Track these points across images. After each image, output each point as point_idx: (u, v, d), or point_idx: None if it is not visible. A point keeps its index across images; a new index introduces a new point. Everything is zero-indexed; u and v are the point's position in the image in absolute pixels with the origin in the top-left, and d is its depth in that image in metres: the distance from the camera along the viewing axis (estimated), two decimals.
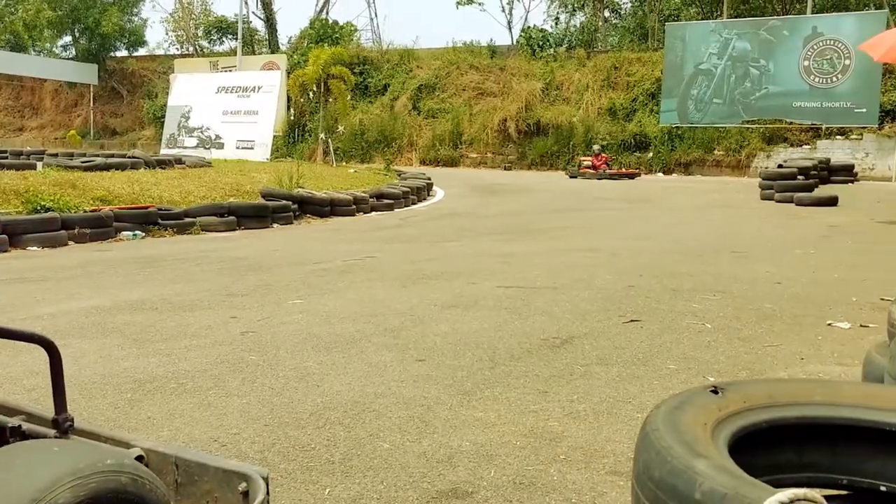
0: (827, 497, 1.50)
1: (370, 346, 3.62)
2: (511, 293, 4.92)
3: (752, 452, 1.42)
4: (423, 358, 3.41)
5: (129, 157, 15.10)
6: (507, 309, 4.44)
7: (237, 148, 21.31)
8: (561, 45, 29.26)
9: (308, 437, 2.47)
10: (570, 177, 20.27)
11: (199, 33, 34.70)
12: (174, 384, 3.04)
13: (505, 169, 24.70)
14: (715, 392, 1.42)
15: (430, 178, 16.05)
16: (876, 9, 22.40)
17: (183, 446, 1.70)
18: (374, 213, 11.95)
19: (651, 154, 22.96)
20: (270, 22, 33.95)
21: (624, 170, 20.78)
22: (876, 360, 2.35)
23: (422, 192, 14.43)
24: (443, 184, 16.50)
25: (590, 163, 20.46)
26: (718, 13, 26.48)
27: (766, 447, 1.42)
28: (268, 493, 1.50)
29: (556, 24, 31.72)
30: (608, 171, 20.07)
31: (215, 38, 34.16)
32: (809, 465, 1.48)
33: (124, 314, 4.37)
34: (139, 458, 1.58)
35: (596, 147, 21.11)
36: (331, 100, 22.15)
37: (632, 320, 4.15)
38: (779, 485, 1.17)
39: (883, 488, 1.41)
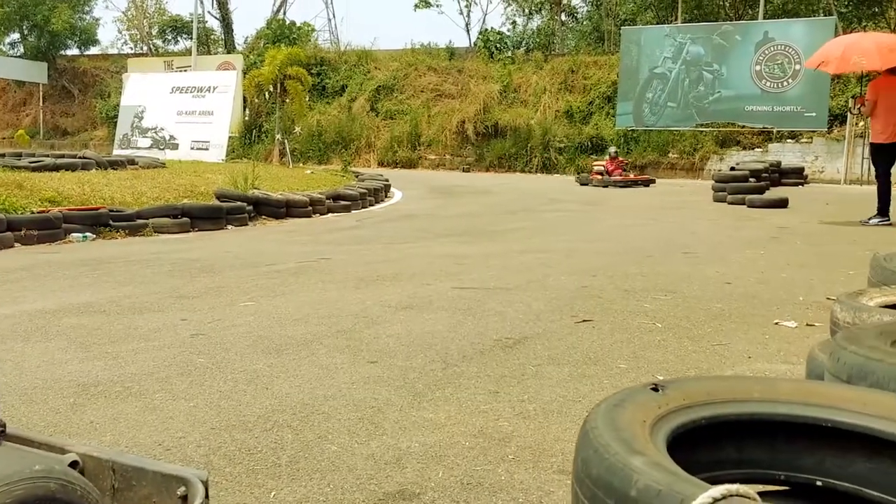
0: (766, 493, 1.53)
1: (321, 348, 3.59)
2: (465, 294, 4.92)
3: (692, 449, 1.44)
4: (374, 360, 3.39)
5: (79, 158, 14.78)
6: (461, 310, 4.43)
7: (192, 149, 21.01)
8: (518, 48, 29.45)
9: (255, 440, 2.43)
10: (581, 184, 17.61)
11: (153, 32, 34.22)
12: (119, 388, 2.98)
13: (463, 171, 24.76)
14: (655, 390, 1.43)
15: (387, 180, 16.01)
16: (825, 15, 22.93)
17: (120, 451, 1.66)
18: (330, 214, 11.88)
19: (607, 157, 23.18)
20: (226, 22, 33.61)
21: (635, 175, 17.89)
22: (818, 357, 2.39)
23: (379, 193, 14.38)
24: (401, 185, 16.47)
25: (602, 168, 17.59)
26: (673, 18, 26.88)
27: (706, 444, 1.44)
28: (207, 496, 1.48)
29: (514, 27, 31.94)
30: (611, 177, 17.04)
31: (170, 37, 33.71)
32: (749, 462, 1.50)
33: (70, 317, 4.28)
34: (74, 464, 1.54)
35: (612, 149, 18.02)
36: (287, 100, 21.97)
37: (584, 320, 4.18)
38: (718, 481, 1.18)
39: (819, 483, 1.43)
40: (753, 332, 3.93)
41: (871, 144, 9.82)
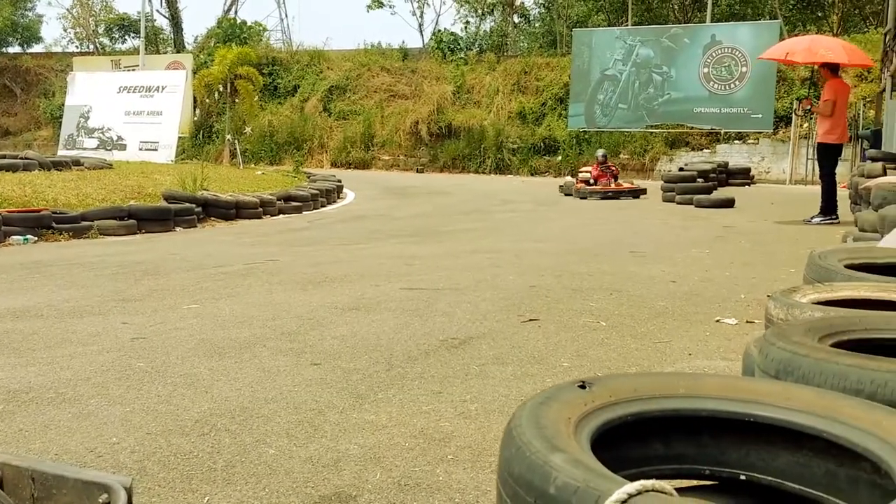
0: (694, 488, 1.55)
1: (265, 351, 3.55)
2: (414, 295, 4.91)
3: (619, 446, 1.45)
4: (318, 362, 3.36)
5: (21, 159, 14.40)
6: (408, 311, 4.42)
7: (140, 149, 20.63)
8: (472, 49, 29.53)
9: (191, 445, 2.39)
10: (565, 195, 14.50)
11: (100, 31, 33.53)
12: (53, 394, 2.91)
13: (417, 171, 24.74)
14: (583, 387, 1.44)
15: (340, 181, 15.93)
16: (770, 19, 23.45)
17: (40, 458, 1.61)
18: (281, 215, 11.77)
19: (560, 157, 23.36)
20: (175, 20, 33.08)
21: (624, 185, 14.27)
22: (753, 353, 2.43)
23: (332, 194, 14.29)
24: (354, 186, 16.40)
25: (588, 174, 14.26)
26: (624, 20, 27.22)
27: (633, 440, 1.45)
28: (130, 502, 1.44)
29: (466, 27, 32.03)
30: (593, 186, 13.82)
31: (117, 36, 33.06)
32: (676, 457, 1.51)
33: (5, 322, 4.17)
34: None
35: (600, 153, 14.71)
36: (238, 101, 21.71)
37: (530, 319, 4.20)
38: (645, 477, 1.19)
39: (742, 477, 1.45)
40: (695, 329, 3.99)
41: (819, 144, 9.93)
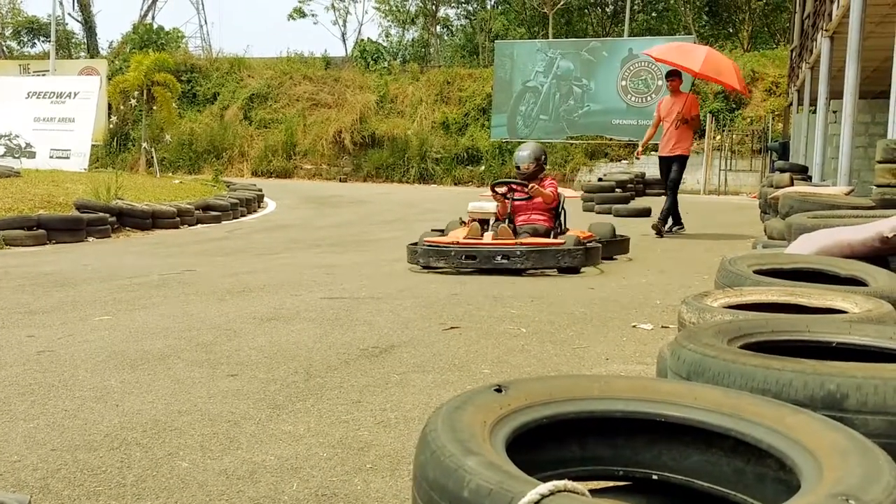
0: (609, 489, 1.57)
1: (179, 363, 3.45)
2: (334, 304, 4.86)
3: (536, 449, 1.45)
4: (234, 373, 3.28)
5: None
6: (328, 320, 4.37)
7: (51, 157, 19.88)
8: (395, 59, 29.58)
9: (100, 460, 2.30)
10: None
11: (7, 34, 32.25)
12: None
13: (340, 181, 24.61)
14: (499, 391, 1.44)
15: (261, 190, 15.71)
16: (685, 34, 24.23)
17: None
18: (199, 225, 11.53)
19: (483, 167, 23.60)
20: (89, 24, 32.14)
21: (544, 240, 6.83)
22: (666, 356, 2.49)
23: (252, 203, 14.08)
24: (275, 195, 16.19)
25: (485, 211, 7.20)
26: (544, 33, 27.72)
27: (549, 443, 1.46)
28: None
29: (388, 37, 32.08)
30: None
31: (25, 39, 31.89)
32: (592, 459, 1.53)
33: None
34: None
35: (525, 153, 7.02)
36: (155, 108, 21.18)
37: (452, 327, 4.20)
38: (560, 479, 1.20)
39: (655, 476, 1.48)
40: (612, 334, 4.06)
41: (684, 157, 9.83)
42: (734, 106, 22.11)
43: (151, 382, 3.15)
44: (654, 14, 29.67)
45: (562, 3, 28.11)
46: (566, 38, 26.75)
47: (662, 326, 4.22)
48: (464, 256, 6.15)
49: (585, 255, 6.24)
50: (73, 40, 32.23)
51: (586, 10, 30.30)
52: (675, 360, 1.89)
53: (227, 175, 22.38)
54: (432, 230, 7.04)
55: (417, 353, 3.67)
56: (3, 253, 8.12)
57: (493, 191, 6.92)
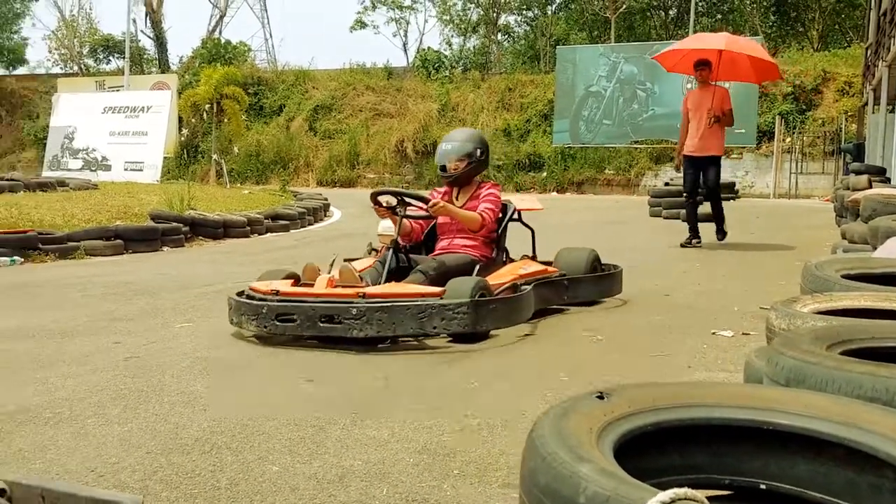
0: (713, 497, 1.54)
1: (259, 368, 3.52)
2: None
3: (638, 456, 1.44)
4: (312, 378, 3.33)
5: (6, 180, 14.32)
6: None
7: (126, 170, 20.54)
8: (456, 67, 29.68)
9: (193, 463, 2.36)
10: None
11: (84, 52, 33.46)
12: (49, 414, 2.86)
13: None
14: (601, 398, 1.43)
15: (326, 199, 15.90)
16: (751, 35, 23.72)
17: (50, 478, 1.58)
18: (269, 234, 11.73)
19: (545, 174, 23.48)
20: (160, 41, 33.10)
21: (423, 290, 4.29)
22: (755, 363, 2.43)
23: (318, 212, 14.27)
24: (340, 204, 16.37)
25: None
26: (607, 37, 27.48)
27: (651, 451, 1.44)
28: None
29: (449, 46, 32.22)
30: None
31: (101, 56, 33.02)
32: (694, 467, 1.50)
33: None
34: (1, 492, 1.46)
35: (450, 147, 4.85)
36: (224, 120, 21.69)
37: (527, 334, 4.20)
38: (665, 487, 1.18)
39: (763, 486, 1.44)
40: (692, 342, 3.99)
41: (717, 157, 8.69)
42: (804, 107, 21.55)
43: (235, 388, 3.22)
44: (718, 16, 29.16)
45: (624, 6, 27.86)
46: (629, 41, 26.48)
47: (743, 333, 4.13)
48: (276, 316, 3.89)
49: (475, 314, 3.83)
50: (146, 56, 33.26)
51: (649, 14, 29.96)
52: (773, 367, 1.85)
53: (294, 185, 22.75)
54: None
55: (494, 359, 3.67)
56: (84, 263, 8.40)
57: (374, 201, 4.57)
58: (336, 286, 4.00)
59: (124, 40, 28.61)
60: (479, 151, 4.78)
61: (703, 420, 1.45)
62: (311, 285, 4.08)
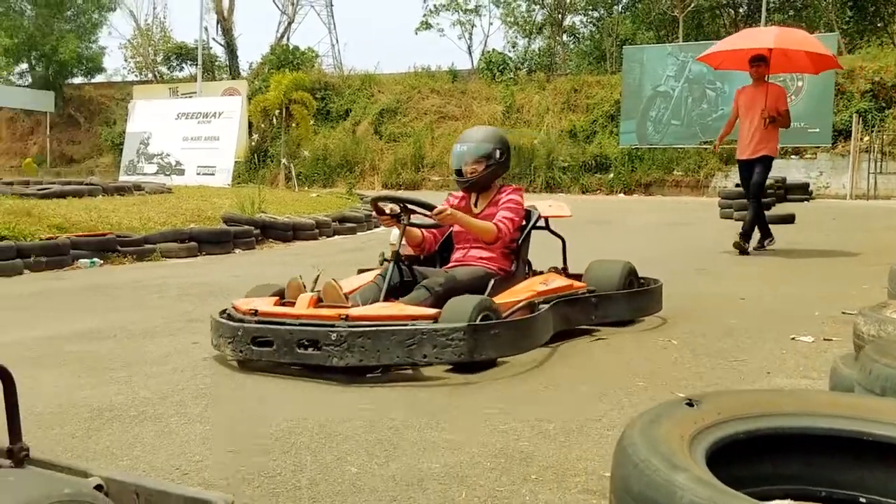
0: None
1: (334, 369, 3.55)
2: None
3: (729, 465, 1.41)
4: (383, 381, 3.35)
5: (86, 185, 14.82)
6: None
7: (198, 174, 21.06)
8: (521, 69, 29.58)
9: (274, 463, 2.40)
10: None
11: (158, 59, 34.46)
12: (134, 412, 2.95)
13: None
14: (690, 405, 1.40)
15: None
16: (826, 31, 23.02)
17: (143, 475, 1.63)
18: (336, 236, 11.89)
19: (612, 175, 23.21)
20: (231, 48, 33.87)
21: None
22: (842, 371, 2.36)
23: None
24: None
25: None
26: (674, 37, 27.02)
27: (742, 459, 1.41)
28: None
29: (514, 48, 32.11)
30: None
31: (175, 64, 33.93)
32: (787, 477, 1.47)
33: (81, 343, 4.26)
34: (98, 488, 1.51)
35: (465, 149, 4.35)
36: (293, 125, 22.07)
37: (599, 338, 4.15)
38: (760, 497, 1.15)
39: (863, 500, 1.40)
40: (770, 347, 3.89)
41: (769, 158, 8.14)
42: (884, 105, 20.80)
43: (310, 389, 3.27)
44: (791, 12, 28.37)
45: (693, 5, 27.35)
46: (697, 40, 25.98)
47: (825, 339, 4.00)
48: (252, 339, 3.51)
49: (472, 340, 3.34)
50: (217, 63, 34.07)
51: (718, 12, 29.34)
52: (866, 376, 1.79)
53: (360, 188, 23.00)
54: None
55: (566, 363, 3.64)
56: (160, 264, 8.64)
57: (375, 208, 4.16)
58: (319, 306, 3.60)
59: (197, 48, 29.36)
60: (498, 152, 4.29)
61: (797, 429, 1.41)
62: (294, 304, 3.68)
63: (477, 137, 4.35)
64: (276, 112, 21.56)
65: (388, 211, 4.08)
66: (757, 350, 3.84)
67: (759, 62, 7.95)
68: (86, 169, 29.97)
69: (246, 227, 10.44)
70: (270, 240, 10.84)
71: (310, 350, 3.36)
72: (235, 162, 22.71)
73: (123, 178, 21.41)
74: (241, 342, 3.53)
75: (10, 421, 1.59)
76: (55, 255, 7.97)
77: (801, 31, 8.85)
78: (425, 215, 4.08)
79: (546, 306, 3.92)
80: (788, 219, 11.84)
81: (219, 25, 33.82)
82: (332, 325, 3.37)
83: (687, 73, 22.10)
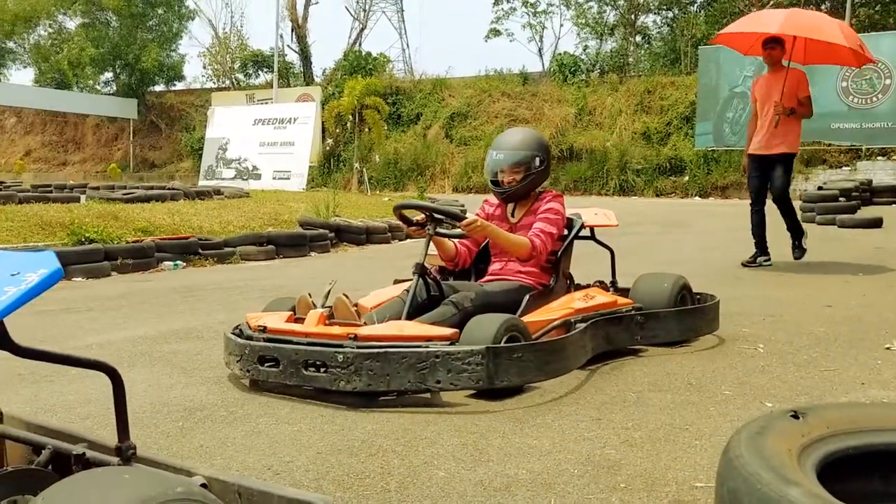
0: None
1: None
2: None
3: (835, 480, 1.37)
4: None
5: (168, 189, 15.34)
6: None
7: (274, 178, 21.55)
8: (593, 71, 29.30)
9: (362, 465, 2.44)
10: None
11: (236, 67, 35.37)
12: (224, 412, 3.04)
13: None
14: (795, 417, 1.37)
15: (463, 205, 16.03)
16: None
17: (243, 475, 1.68)
18: (409, 240, 11.97)
19: (687, 178, 22.80)
20: (305, 55, 34.51)
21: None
22: None
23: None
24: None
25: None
26: None
27: (852, 474, 1.37)
28: None
29: (585, 50, 31.82)
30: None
31: (251, 71, 34.79)
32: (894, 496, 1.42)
33: (170, 343, 4.40)
34: (202, 487, 1.56)
35: (502, 157, 3.96)
36: (365, 130, 22.36)
37: (681, 344, 4.08)
38: None
39: None
40: (863, 357, 3.76)
41: (789, 155, 7.15)
42: None
43: None
44: (878, 7, 27.37)
45: (771, 2, 26.64)
46: None
47: None
48: (258, 359, 3.26)
49: (493, 364, 3.02)
50: (291, 70, 34.78)
51: (798, 8, 28.53)
52: None
53: (430, 191, 23.15)
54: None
55: (649, 370, 3.59)
56: (239, 267, 8.87)
57: (400, 217, 3.97)
58: (330, 323, 3.33)
59: (272, 55, 30.03)
60: (538, 160, 3.88)
61: None
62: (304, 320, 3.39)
63: (514, 144, 3.95)
64: (349, 117, 21.89)
65: (415, 220, 3.80)
66: (849, 359, 3.72)
67: (773, 45, 6.96)
68: (166, 173, 30.98)
69: (321, 230, 10.63)
70: (345, 243, 11.01)
71: (317, 371, 3.09)
72: (310, 166, 23.14)
73: (203, 182, 22.05)
74: (248, 361, 3.29)
75: (118, 420, 1.66)
76: (141, 258, 8.26)
77: (823, 16, 7.38)
78: (453, 226, 3.72)
79: (583, 325, 3.54)
80: (876, 223, 11.42)
81: (293, 33, 34.55)
82: (340, 346, 3.09)
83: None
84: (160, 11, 35.24)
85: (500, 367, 3.04)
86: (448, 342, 3.11)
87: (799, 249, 7.41)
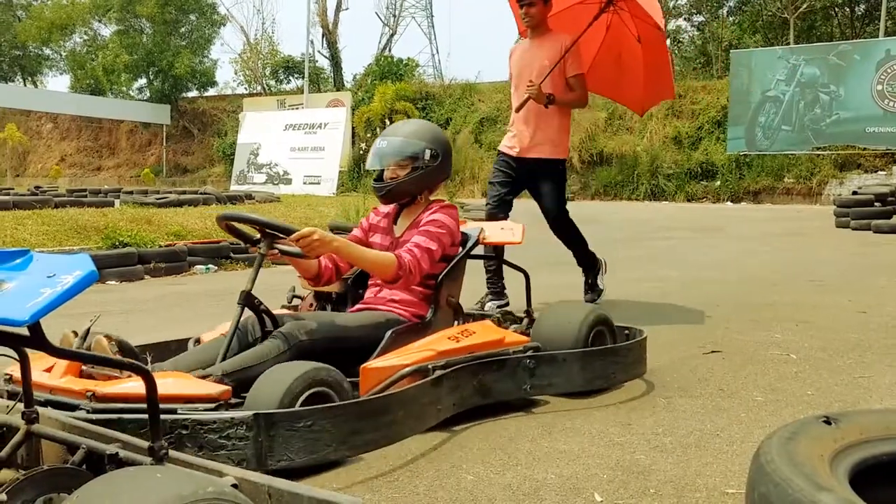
0: None
1: None
2: None
3: (867, 487, 1.35)
4: None
5: (200, 194, 15.50)
6: None
7: (304, 183, 21.71)
8: None
9: (390, 468, 2.45)
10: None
11: (267, 73, 35.70)
12: None
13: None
14: (827, 422, 1.36)
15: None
16: None
17: (273, 476, 1.70)
18: None
19: (718, 182, 22.57)
20: (335, 60, 34.72)
21: None
22: None
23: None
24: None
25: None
26: (784, 39, 26.09)
27: (884, 481, 1.35)
28: None
29: None
30: None
31: (282, 77, 35.09)
32: None
33: None
34: (233, 487, 1.58)
35: (386, 145, 3.27)
36: None
37: (712, 351, 4.05)
38: None
39: None
40: None
41: (551, 161, 5.54)
42: None
43: None
44: None
45: (805, 5, 26.33)
46: (808, 42, 25.00)
47: None
48: None
49: (265, 439, 2.21)
50: (322, 75, 35.03)
51: (832, 12, 28.14)
52: None
53: (459, 196, 23.13)
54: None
55: (680, 376, 3.57)
56: (271, 271, 8.91)
57: (228, 229, 3.17)
58: (81, 374, 2.57)
59: (303, 61, 30.27)
60: (429, 153, 3.17)
61: None
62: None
63: (405, 132, 3.24)
64: (380, 122, 21.99)
65: (248, 234, 3.13)
66: (883, 366, 3.66)
67: (529, 4, 5.06)
68: (199, 178, 31.33)
69: None
70: None
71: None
72: (340, 171, 23.27)
73: (234, 187, 22.28)
74: None
75: (151, 420, 1.68)
76: (173, 262, 8.36)
77: None
78: (288, 241, 2.95)
79: (439, 373, 2.71)
80: None
81: (324, 39, 34.78)
82: (76, 406, 2.30)
83: (798, 76, 21.31)
84: (193, 18, 35.68)
85: (276, 442, 2.21)
86: (214, 404, 2.31)
87: (593, 290, 5.62)
